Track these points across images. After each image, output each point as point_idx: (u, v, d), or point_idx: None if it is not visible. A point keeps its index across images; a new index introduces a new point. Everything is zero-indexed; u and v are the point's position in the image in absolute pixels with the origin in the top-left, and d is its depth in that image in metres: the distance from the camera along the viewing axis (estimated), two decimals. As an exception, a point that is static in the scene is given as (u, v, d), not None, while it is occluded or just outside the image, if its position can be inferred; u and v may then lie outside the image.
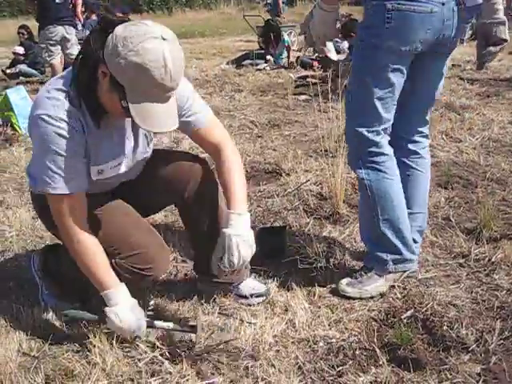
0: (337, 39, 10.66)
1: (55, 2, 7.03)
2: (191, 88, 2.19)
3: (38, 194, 2.15)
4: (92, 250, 2.05)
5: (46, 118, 1.89)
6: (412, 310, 2.29)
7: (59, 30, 7.14)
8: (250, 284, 2.47)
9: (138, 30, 1.76)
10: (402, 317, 2.26)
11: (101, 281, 2.05)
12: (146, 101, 1.81)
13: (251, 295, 2.42)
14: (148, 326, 2.11)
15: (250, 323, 2.25)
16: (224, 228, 2.11)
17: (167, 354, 2.07)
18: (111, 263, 2.11)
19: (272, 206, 3.42)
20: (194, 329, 2.09)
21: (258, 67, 9.67)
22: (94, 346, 2.06)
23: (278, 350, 2.09)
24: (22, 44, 10.69)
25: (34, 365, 2.06)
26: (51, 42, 7.15)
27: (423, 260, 2.71)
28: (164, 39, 1.76)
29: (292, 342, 2.14)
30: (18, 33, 10.83)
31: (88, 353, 2.07)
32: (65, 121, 1.90)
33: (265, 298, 2.42)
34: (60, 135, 1.91)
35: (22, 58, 10.37)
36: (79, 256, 2.06)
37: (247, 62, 10.07)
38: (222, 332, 2.20)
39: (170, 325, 2.13)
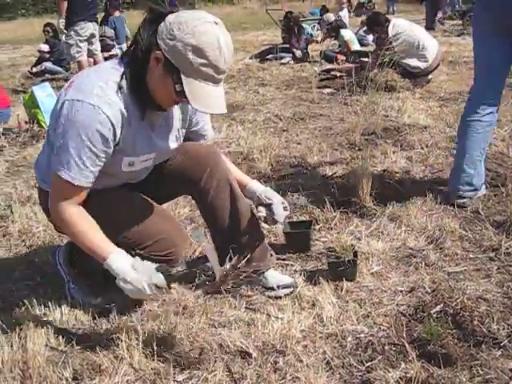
0: (361, 32, 10.63)
1: None
2: None
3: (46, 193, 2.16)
4: (83, 223, 2.03)
5: (89, 106, 1.88)
6: (441, 305, 2.24)
7: (89, 27, 7.21)
8: (277, 276, 2.46)
9: (191, 16, 1.86)
10: (432, 311, 2.22)
11: (97, 252, 1.99)
12: (200, 81, 1.86)
13: (278, 286, 2.40)
14: (166, 275, 1.94)
15: (278, 318, 2.23)
16: (256, 193, 2.40)
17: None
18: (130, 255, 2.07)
19: (298, 200, 3.40)
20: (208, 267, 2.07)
21: (282, 61, 9.63)
22: (122, 341, 2.06)
23: (305, 345, 2.07)
24: (47, 42, 10.78)
25: (62, 359, 2.07)
26: (81, 39, 7.20)
27: (452, 254, 2.67)
28: (216, 24, 1.86)
29: (320, 337, 2.11)
30: (44, 31, 10.93)
31: (115, 348, 2.07)
32: (106, 114, 1.90)
33: (292, 289, 2.41)
34: (97, 128, 1.90)
35: (47, 55, 10.45)
36: (72, 230, 2.04)
37: (271, 56, 10.04)
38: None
39: (184, 266, 2.10)
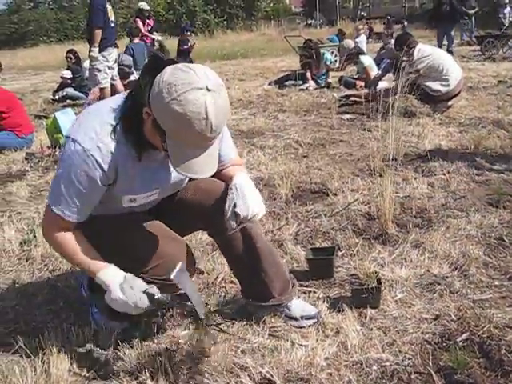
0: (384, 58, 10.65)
1: (111, 25, 7.31)
2: (225, 129, 2.21)
3: None
4: (72, 246, 2.06)
5: (78, 146, 1.92)
6: (468, 333, 2.21)
7: (114, 52, 7.40)
8: (301, 306, 2.44)
9: (184, 78, 1.76)
10: (458, 340, 2.18)
11: (88, 269, 2.05)
12: (186, 147, 1.82)
13: (301, 317, 2.38)
14: (150, 297, 1.99)
15: (301, 345, 2.22)
16: (234, 182, 2.17)
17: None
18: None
19: (320, 227, 3.39)
20: (187, 298, 2.01)
21: (301, 87, 9.70)
22: (145, 368, 2.06)
23: (330, 373, 2.05)
24: (69, 68, 10.96)
25: (86, 385, 2.07)
26: (109, 65, 7.38)
27: (477, 281, 2.64)
28: (209, 90, 1.75)
29: (345, 365, 2.09)
30: (66, 57, 11.12)
31: (138, 374, 2.07)
32: (94, 157, 1.91)
33: (316, 320, 2.39)
34: (83, 169, 1.93)
35: (70, 81, 10.62)
36: (67, 257, 2.13)
37: (289, 82, 10.11)
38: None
39: (168, 297, 2.03)
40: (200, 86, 1.75)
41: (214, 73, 1.83)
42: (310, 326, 2.36)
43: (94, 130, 1.93)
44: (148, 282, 2.07)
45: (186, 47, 14.54)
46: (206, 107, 1.74)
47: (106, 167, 1.94)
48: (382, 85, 7.32)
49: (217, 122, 1.78)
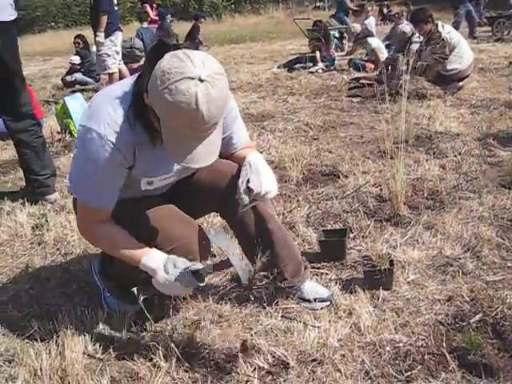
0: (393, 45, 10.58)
1: (115, 9, 7.32)
2: (237, 109, 2.21)
3: None
4: (111, 232, 2.07)
5: (95, 134, 1.90)
6: (481, 314, 2.21)
7: (120, 36, 7.41)
8: (314, 288, 2.44)
9: (177, 67, 1.70)
10: (471, 321, 2.18)
11: (131, 257, 2.05)
12: (180, 136, 1.79)
13: (315, 299, 2.39)
14: (196, 274, 1.98)
15: (314, 326, 2.22)
16: (248, 159, 2.15)
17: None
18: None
19: (331, 209, 3.38)
20: (229, 263, 1.97)
21: (311, 70, 9.64)
22: (159, 349, 2.06)
23: (343, 354, 2.05)
24: (77, 53, 10.94)
25: (100, 367, 2.08)
26: (116, 49, 7.39)
27: (490, 262, 2.63)
28: (201, 80, 1.69)
29: (358, 346, 2.09)
30: (74, 43, 11.09)
31: (152, 355, 2.07)
32: (111, 142, 1.90)
33: (328, 303, 2.39)
34: (103, 155, 1.91)
35: (78, 67, 10.61)
36: (107, 249, 2.17)
37: (299, 65, 10.05)
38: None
39: (211, 267, 2.03)
40: (193, 75, 1.68)
41: (214, 61, 1.77)
42: (322, 308, 2.37)
43: (108, 116, 1.91)
44: None
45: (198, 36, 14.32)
46: (196, 98, 1.68)
47: (124, 150, 1.93)
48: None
49: (208, 113, 1.71)
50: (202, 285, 2.00)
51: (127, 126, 1.91)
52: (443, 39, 6.49)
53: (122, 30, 7.69)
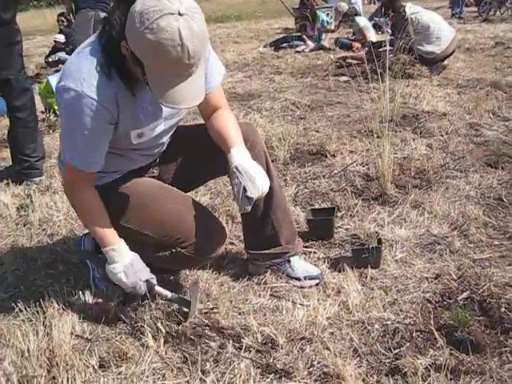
0: (376, 18, 10.54)
1: None
2: (210, 47, 2.12)
3: None
4: (95, 209, 2.08)
5: (73, 93, 1.86)
6: (468, 292, 2.22)
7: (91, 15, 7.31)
8: (304, 266, 2.45)
9: (155, 5, 1.68)
10: (458, 298, 2.19)
11: (101, 238, 2.08)
12: (166, 78, 1.77)
13: (304, 277, 2.39)
14: (148, 287, 2.10)
15: (303, 305, 2.22)
16: (231, 164, 2.07)
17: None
18: (169, 254, 2.15)
19: (319, 188, 3.37)
20: (188, 304, 2.08)
21: (297, 49, 9.59)
22: (147, 329, 2.06)
23: (332, 333, 2.06)
24: (61, 32, 10.79)
25: (88, 347, 2.07)
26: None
27: (477, 241, 2.64)
28: (181, 14, 1.67)
29: (346, 324, 2.10)
30: (58, 20, 10.93)
31: (141, 335, 2.07)
32: (91, 98, 1.86)
33: (318, 281, 2.39)
34: (85, 113, 1.88)
35: (63, 45, 10.46)
36: (82, 212, 2.15)
37: (285, 44, 9.99)
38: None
39: (169, 294, 2.12)
40: (172, 11, 1.67)
41: None
42: (312, 286, 2.37)
43: (82, 72, 1.87)
44: (185, 256, 2.13)
45: None
46: (179, 33, 1.67)
47: (106, 103, 1.90)
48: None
49: (193, 47, 1.70)
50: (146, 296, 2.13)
51: (104, 78, 1.87)
52: (406, 19, 6.48)
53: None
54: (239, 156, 2.08)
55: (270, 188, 2.22)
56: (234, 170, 2.04)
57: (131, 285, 2.06)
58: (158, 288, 2.13)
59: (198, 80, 1.84)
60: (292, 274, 2.42)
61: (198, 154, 2.35)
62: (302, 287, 2.37)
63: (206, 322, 2.14)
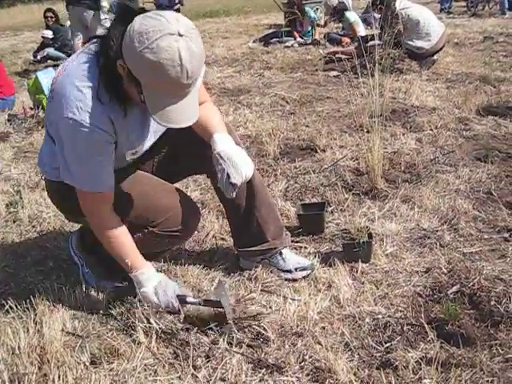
0: (366, 14, 10.52)
1: None
2: None
3: (56, 186, 2.19)
4: (121, 237, 2.11)
5: (72, 122, 1.87)
6: (458, 285, 2.23)
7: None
8: (294, 258, 2.46)
9: (154, 26, 1.70)
10: (448, 292, 2.20)
11: (127, 264, 2.11)
12: (163, 97, 1.79)
13: (296, 269, 2.40)
14: (181, 302, 2.12)
15: (294, 300, 2.23)
16: (213, 150, 2.08)
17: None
18: (143, 233, 2.19)
19: (309, 183, 3.37)
20: (219, 304, 2.07)
21: (286, 44, 9.57)
22: (138, 325, 2.05)
23: (323, 327, 2.06)
24: (48, 27, 10.70)
25: (79, 344, 2.06)
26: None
27: (467, 235, 2.66)
28: (181, 35, 1.70)
29: (337, 319, 2.10)
30: (45, 17, 10.83)
31: (132, 332, 2.06)
32: (93, 125, 1.88)
33: (309, 271, 2.40)
34: (90, 141, 1.91)
35: (51, 41, 10.39)
36: (108, 242, 2.13)
37: (274, 40, 9.98)
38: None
39: (199, 301, 2.11)
40: (172, 31, 1.70)
41: (185, 19, 1.78)
42: (304, 277, 2.38)
43: (76, 99, 1.87)
44: (159, 236, 2.19)
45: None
46: (179, 53, 1.70)
47: (105, 127, 1.92)
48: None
49: (192, 67, 1.73)
50: (182, 315, 2.11)
51: (99, 103, 1.88)
52: (396, 14, 6.48)
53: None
54: (222, 142, 2.10)
55: (251, 185, 2.29)
56: (217, 156, 2.06)
57: (165, 304, 2.10)
58: (188, 299, 2.13)
59: (193, 99, 1.87)
60: (284, 266, 2.42)
61: (181, 148, 2.34)
62: (294, 279, 2.38)
63: (197, 315, 2.13)
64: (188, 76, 1.74)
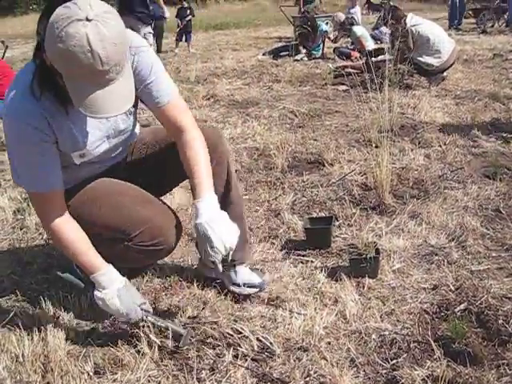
0: (375, 31, 10.56)
1: None
2: (158, 64, 2.10)
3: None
4: (72, 235, 2.02)
5: (7, 120, 1.90)
6: (465, 303, 2.21)
7: None
8: (247, 273, 2.40)
9: (64, 13, 1.64)
10: (456, 310, 2.19)
11: (85, 265, 2.03)
12: (84, 86, 1.72)
13: (244, 284, 2.35)
14: (145, 313, 2.05)
15: (300, 314, 2.21)
16: (193, 219, 2.02)
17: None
18: (120, 248, 2.09)
19: (316, 197, 3.37)
20: (179, 337, 2.03)
21: (296, 58, 9.61)
22: (143, 336, 2.04)
23: (329, 342, 2.05)
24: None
25: (83, 353, 2.06)
26: None
27: (475, 252, 2.64)
28: (89, 20, 1.63)
29: (343, 334, 2.09)
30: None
31: (137, 342, 2.05)
32: (23, 121, 1.88)
33: (258, 289, 2.36)
34: (26, 139, 1.90)
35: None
36: (61, 244, 2.05)
37: (284, 53, 10.02)
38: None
39: (163, 322, 2.06)
40: (80, 17, 1.63)
41: (103, 3, 1.71)
42: (250, 294, 2.35)
43: (16, 99, 1.89)
44: (136, 251, 2.09)
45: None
46: (87, 38, 1.62)
47: (40, 127, 1.90)
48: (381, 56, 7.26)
49: (106, 52, 1.65)
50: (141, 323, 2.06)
51: (32, 99, 1.86)
52: (407, 30, 6.49)
53: None
54: (206, 209, 1.99)
55: (228, 197, 2.26)
56: (195, 229, 1.99)
57: (127, 310, 2.00)
58: (151, 317, 2.07)
59: (121, 89, 1.78)
60: (234, 279, 2.38)
61: (168, 161, 2.30)
62: (239, 294, 2.35)
63: (203, 329, 2.12)
64: (102, 62, 1.66)
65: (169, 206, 2.23)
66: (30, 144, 1.91)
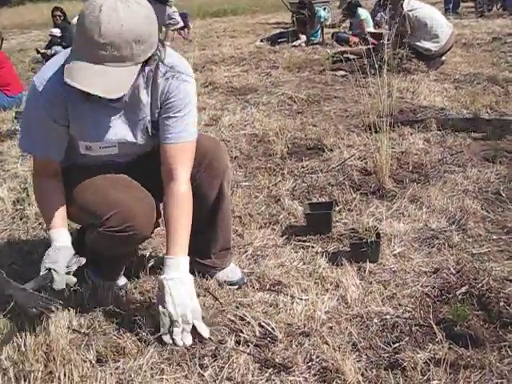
0: (376, 18, 10.49)
1: None
2: (194, 101, 2.10)
3: None
4: (51, 188, 2.11)
5: (33, 88, 1.98)
6: (467, 286, 2.21)
7: None
8: (226, 271, 2.43)
9: None
10: (457, 293, 2.19)
11: (47, 219, 2.11)
12: (77, 52, 1.79)
13: (224, 281, 2.38)
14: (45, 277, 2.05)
15: (301, 299, 2.21)
16: (162, 274, 2.02)
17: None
18: (95, 233, 2.08)
19: (316, 182, 3.36)
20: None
21: (294, 43, 9.56)
22: (145, 323, 2.04)
23: (331, 327, 2.05)
24: (56, 26, 10.70)
25: (85, 342, 2.05)
26: None
27: (476, 235, 2.64)
28: None
29: (345, 319, 2.09)
30: (54, 16, 10.84)
31: (139, 330, 2.05)
32: (43, 96, 1.95)
33: (237, 286, 2.36)
34: (35, 109, 2.01)
35: (59, 40, 10.39)
36: (37, 194, 2.18)
37: (282, 39, 9.97)
38: None
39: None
40: None
41: None
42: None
43: (48, 72, 1.96)
44: (108, 237, 2.05)
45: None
46: (100, 7, 1.71)
47: (53, 104, 1.96)
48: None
49: (108, 28, 1.70)
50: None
51: (61, 78, 1.84)
52: (404, 15, 6.45)
53: None
54: (174, 270, 2.00)
55: (217, 208, 2.29)
56: (160, 282, 2.00)
57: (47, 265, 2.03)
58: (47, 275, 2.03)
59: (116, 75, 1.78)
60: (217, 277, 2.41)
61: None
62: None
63: (206, 316, 2.12)
64: (100, 34, 1.70)
65: (149, 195, 2.15)
66: (37, 115, 2.01)
